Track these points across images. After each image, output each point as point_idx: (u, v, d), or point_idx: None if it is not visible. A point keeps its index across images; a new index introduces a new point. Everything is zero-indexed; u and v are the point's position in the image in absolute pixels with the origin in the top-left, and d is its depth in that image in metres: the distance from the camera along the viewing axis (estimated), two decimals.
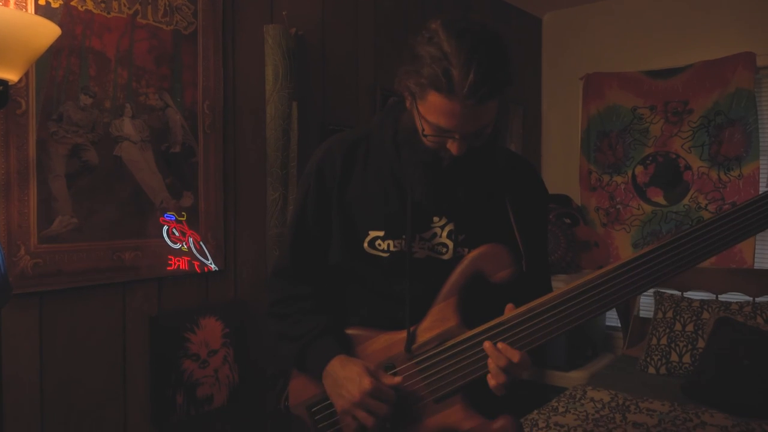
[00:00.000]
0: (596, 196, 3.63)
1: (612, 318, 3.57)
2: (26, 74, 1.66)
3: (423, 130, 0.98)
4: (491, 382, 0.99)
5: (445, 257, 1.08)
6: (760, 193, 0.98)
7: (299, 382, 1.17)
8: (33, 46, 1.38)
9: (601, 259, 3.50)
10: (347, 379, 1.04)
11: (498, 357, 0.98)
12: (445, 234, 1.07)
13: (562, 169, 3.80)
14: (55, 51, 1.74)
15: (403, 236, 1.06)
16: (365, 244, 1.08)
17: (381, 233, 1.07)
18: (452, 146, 0.98)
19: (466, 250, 1.07)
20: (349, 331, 1.14)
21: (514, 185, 1.09)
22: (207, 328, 2.07)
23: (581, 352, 3.21)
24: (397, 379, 1.05)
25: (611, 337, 3.57)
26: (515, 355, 0.99)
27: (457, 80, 0.91)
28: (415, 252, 1.07)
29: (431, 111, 0.95)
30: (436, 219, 1.08)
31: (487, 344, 1.00)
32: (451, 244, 1.07)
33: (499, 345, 0.99)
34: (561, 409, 2.39)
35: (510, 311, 1.01)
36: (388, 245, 1.07)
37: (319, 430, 1.15)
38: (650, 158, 3.50)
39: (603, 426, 2.19)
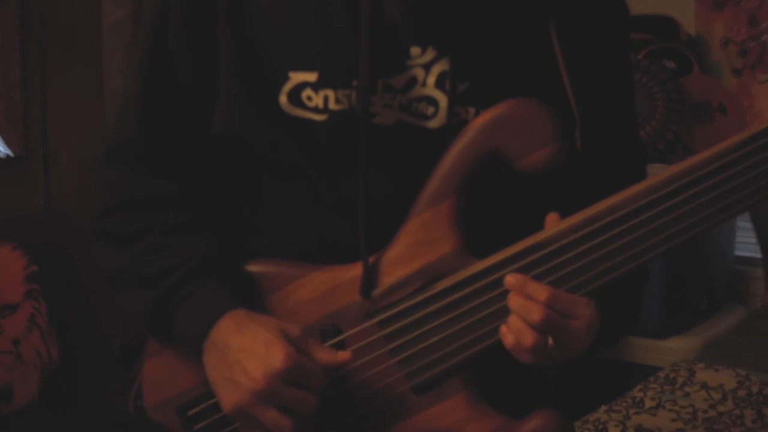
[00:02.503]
0: (724, 18, 2.87)
1: (746, 245, 2.85)
2: None
3: None
4: (518, 353, 0.78)
5: (432, 124, 0.87)
6: None
7: (160, 363, 0.97)
8: None
9: (731, 135, 3.07)
10: (244, 352, 0.83)
11: (528, 306, 0.76)
12: (432, 80, 0.87)
13: None
14: None
15: (354, 82, 0.86)
16: (283, 98, 0.87)
17: (312, 76, 0.87)
18: None
19: (472, 110, 0.86)
20: (254, 268, 0.91)
21: None
22: None
23: (688, 306, 2.56)
24: (344, 354, 0.83)
25: (743, 277, 2.83)
26: (564, 301, 0.76)
27: None
28: (377, 112, 0.87)
29: None
30: (415, 51, 0.86)
31: (511, 279, 0.78)
32: (443, 99, 0.86)
33: (531, 285, 0.77)
34: (649, 403, 1.92)
35: (554, 225, 0.79)
36: (326, 99, 0.87)
37: None
38: None
39: None
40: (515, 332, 0.76)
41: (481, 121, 0.81)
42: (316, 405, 0.80)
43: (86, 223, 1.36)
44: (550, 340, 0.76)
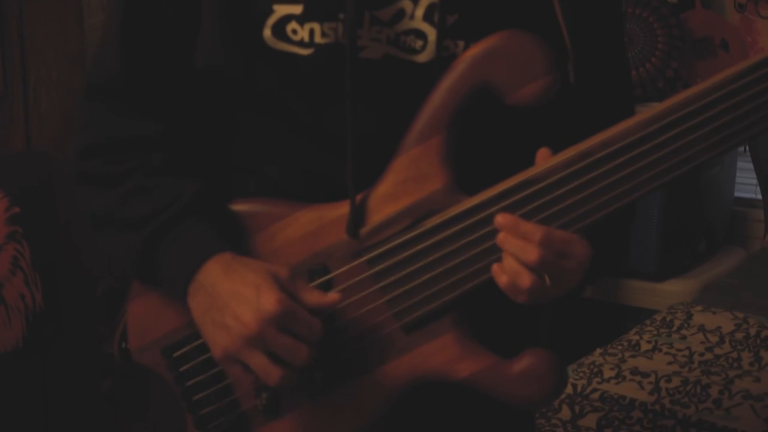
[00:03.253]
0: None
1: (746, 186, 2.56)
2: None
3: None
4: (514, 294, 0.77)
5: (421, 58, 0.86)
6: None
7: (145, 304, 0.96)
8: None
9: None
10: (235, 297, 0.82)
11: (523, 246, 0.77)
12: (420, 12, 0.86)
13: None
14: None
15: (341, 15, 0.85)
16: (267, 31, 0.86)
17: (297, 9, 0.86)
18: None
19: (462, 44, 0.85)
20: (239, 207, 0.91)
21: None
22: None
23: (686, 248, 2.38)
24: (333, 296, 0.83)
25: (743, 219, 2.61)
26: (558, 240, 0.75)
27: None
28: (364, 46, 0.86)
29: None
30: None
31: (501, 219, 0.78)
32: (432, 33, 0.85)
33: (524, 225, 0.77)
34: (645, 346, 1.85)
35: (545, 160, 0.79)
36: (311, 32, 0.86)
37: (188, 391, 0.91)
38: None
39: (719, 374, 1.65)
40: (510, 273, 0.75)
41: (471, 54, 0.80)
42: (309, 356, 0.79)
43: (68, 163, 1.30)
44: (548, 280, 0.75)
